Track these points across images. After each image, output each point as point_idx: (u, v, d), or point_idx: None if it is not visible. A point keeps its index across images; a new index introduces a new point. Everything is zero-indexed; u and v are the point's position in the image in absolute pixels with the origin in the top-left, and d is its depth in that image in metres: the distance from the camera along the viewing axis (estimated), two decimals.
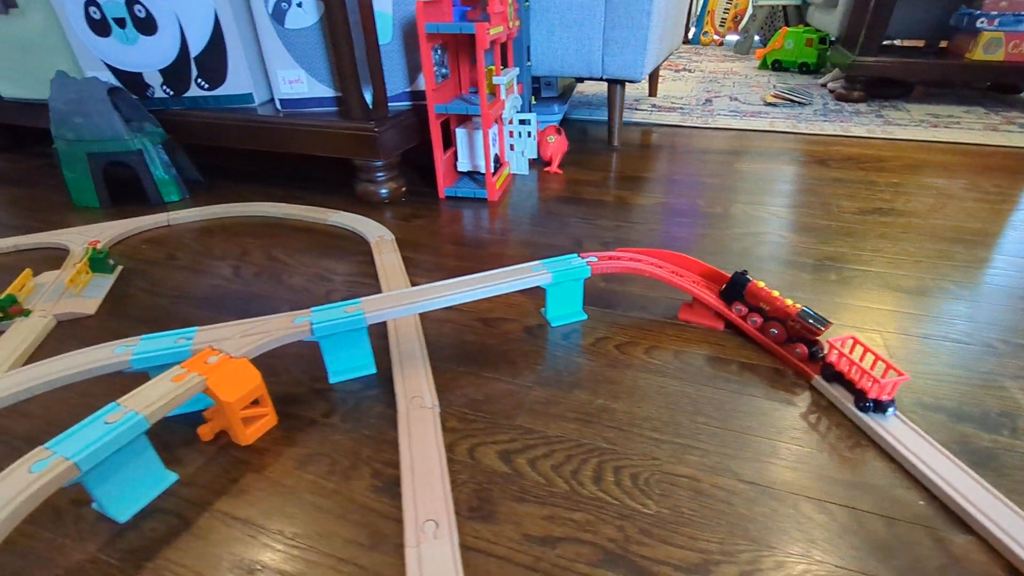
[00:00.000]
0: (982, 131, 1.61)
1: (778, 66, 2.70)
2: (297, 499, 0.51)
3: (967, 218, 1.06)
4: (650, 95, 2.19)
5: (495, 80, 1.17)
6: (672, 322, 0.75)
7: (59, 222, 1.12)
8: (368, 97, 1.16)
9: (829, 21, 2.49)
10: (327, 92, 1.20)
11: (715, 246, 0.97)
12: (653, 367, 0.67)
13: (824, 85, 2.22)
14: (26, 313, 0.78)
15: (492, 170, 1.20)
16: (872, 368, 0.56)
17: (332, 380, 0.65)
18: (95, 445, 0.46)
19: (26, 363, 0.70)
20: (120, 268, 0.93)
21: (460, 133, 1.22)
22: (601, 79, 1.44)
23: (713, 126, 1.75)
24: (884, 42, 2.20)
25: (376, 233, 1.03)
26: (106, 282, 0.88)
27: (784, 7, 3.25)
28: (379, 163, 1.16)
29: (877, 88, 1.99)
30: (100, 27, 1.17)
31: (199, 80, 1.23)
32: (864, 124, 1.71)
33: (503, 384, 0.65)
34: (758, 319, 0.69)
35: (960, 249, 0.94)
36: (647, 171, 1.37)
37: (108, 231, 1.05)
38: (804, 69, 2.62)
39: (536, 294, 0.83)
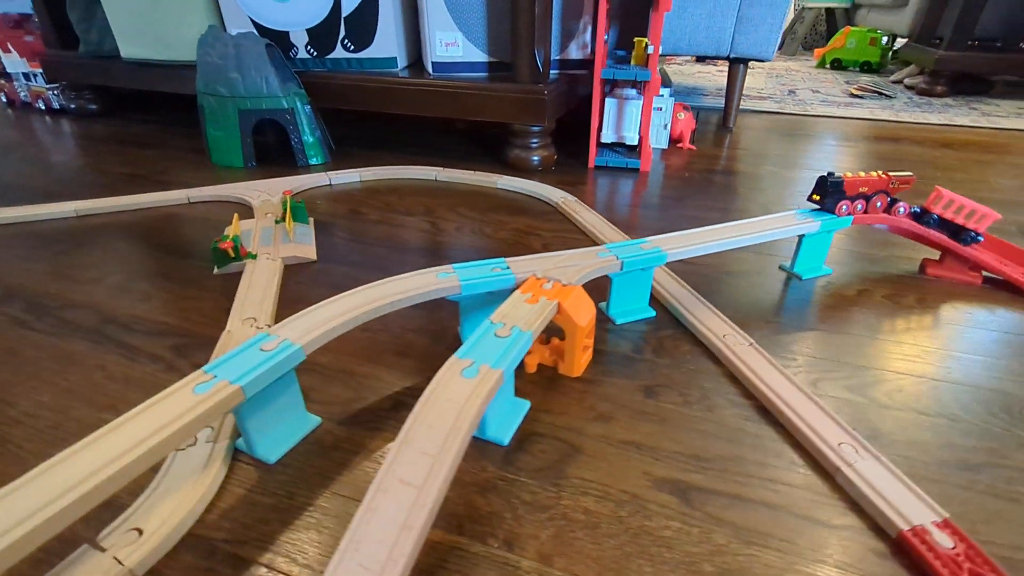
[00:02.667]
0: None
1: (837, 65, 2.74)
2: (672, 425, 0.49)
3: None
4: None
5: (648, 49, 1.17)
6: (926, 279, 0.75)
7: (206, 179, 1.09)
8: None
9: (894, 21, 2.53)
10: (480, 56, 1.18)
11: None
12: (935, 311, 0.66)
13: (899, 82, 2.25)
14: (253, 256, 0.75)
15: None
16: None
17: (619, 321, 0.64)
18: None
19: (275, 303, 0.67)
20: (312, 220, 0.90)
21: (609, 103, 1.21)
22: (727, 58, 1.44)
23: (812, 114, 1.76)
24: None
25: (558, 195, 1.01)
26: (308, 231, 0.85)
27: (833, 9, 3.30)
28: (537, 128, 1.15)
29: (958, 84, 2.01)
30: None
31: (345, 41, 1.20)
32: (962, 115, 1.73)
33: (794, 327, 0.63)
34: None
35: None
36: (773, 151, 1.37)
37: (275, 187, 1.02)
38: (866, 68, 2.66)
39: (755, 251, 0.81)
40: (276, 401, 0.45)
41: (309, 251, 0.79)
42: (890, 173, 0.69)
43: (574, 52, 1.26)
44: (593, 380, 0.55)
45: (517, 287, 0.55)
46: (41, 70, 1.55)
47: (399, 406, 0.51)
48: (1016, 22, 2.10)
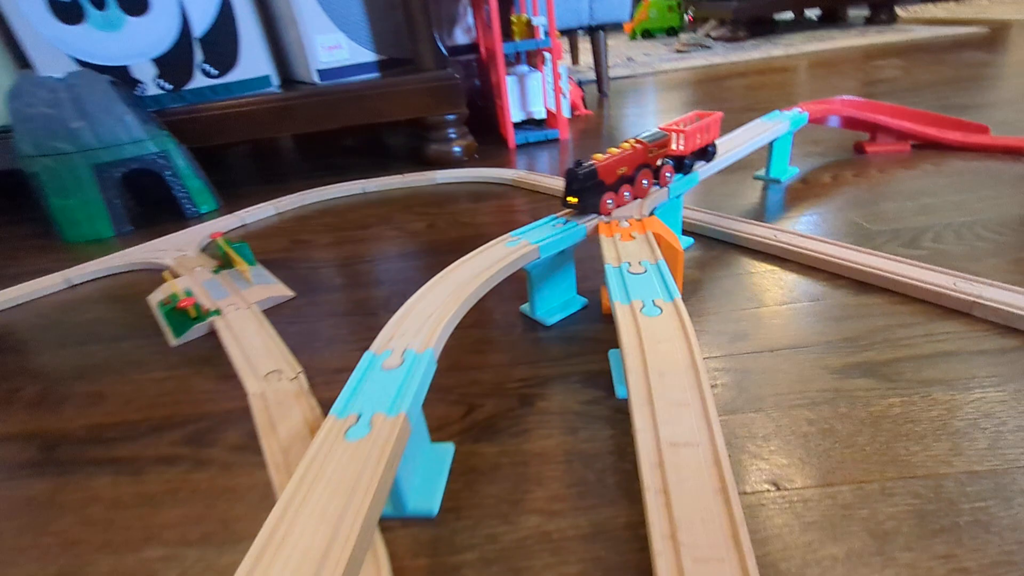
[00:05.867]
0: (856, 36, 2.02)
1: (648, 35, 3.05)
2: (801, 322, 0.47)
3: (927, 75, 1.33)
4: (574, 63, 2.33)
5: (535, 21, 1.17)
6: (867, 156, 0.83)
7: (67, 262, 0.84)
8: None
9: None
10: (368, 56, 1.09)
11: None
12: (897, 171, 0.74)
13: (708, 35, 2.57)
14: (215, 312, 0.59)
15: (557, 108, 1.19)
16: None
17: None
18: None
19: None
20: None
21: (511, 81, 1.19)
22: (588, 27, 1.51)
23: (660, 70, 1.92)
24: None
25: (509, 174, 0.96)
26: (263, 271, 0.70)
27: None
28: (453, 117, 1.08)
29: (754, 27, 2.36)
30: (67, 12, 0.92)
31: (205, 66, 1.03)
32: (773, 49, 2.02)
33: (805, 213, 0.66)
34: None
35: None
36: (648, 102, 1.47)
37: (182, 241, 0.83)
38: (671, 32, 2.99)
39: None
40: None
41: (280, 289, 0.65)
42: (643, 139, 0.53)
43: (459, 37, 1.22)
44: (695, 308, 0.51)
45: (587, 237, 0.49)
46: None
47: (524, 402, 0.43)
48: None
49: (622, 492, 0.34)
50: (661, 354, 0.32)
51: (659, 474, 0.28)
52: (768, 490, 0.33)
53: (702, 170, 0.60)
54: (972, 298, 0.45)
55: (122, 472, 0.41)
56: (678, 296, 0.36)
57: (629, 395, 0.31)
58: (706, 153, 0.61)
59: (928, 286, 0.47)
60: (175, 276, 0.69)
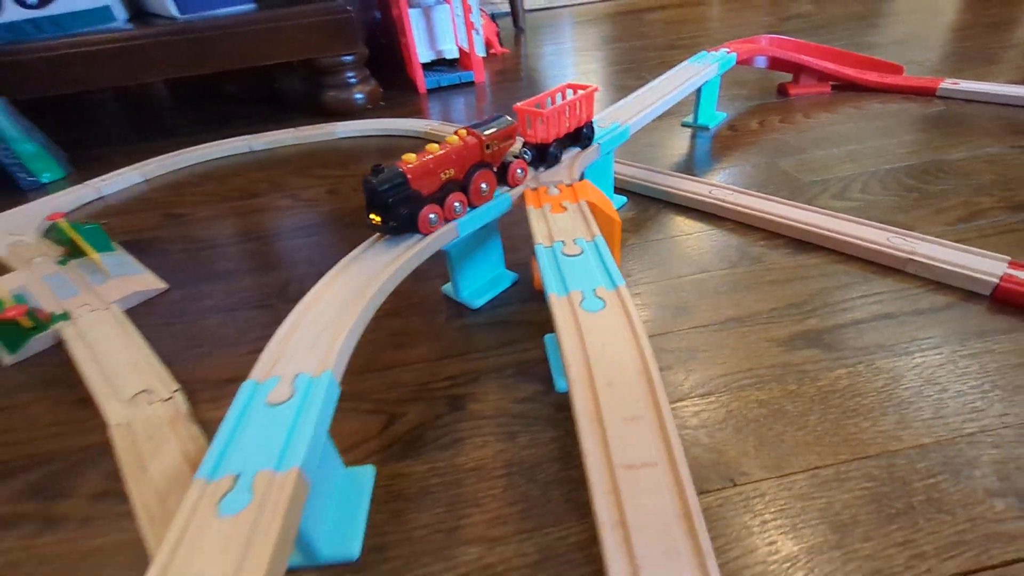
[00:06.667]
0: None
1: None
2: (742, 290, 0.44)
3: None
4: None
5: None
6: (790, 98, 0.82)
7: None
8: None
9: None
10: None
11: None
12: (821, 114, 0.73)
13: None
14: (62, 316, 0.47)
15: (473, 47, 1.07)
16: None
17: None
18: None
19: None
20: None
21: (414, 15, 1.05)
22: None
23: (580, 2, 1.82)
24: None
25: (420, 124, 0.86)
26: (126, 258, 0.58)
27: None
28: (350, 59, 0.95)
29: None
30: None
31: None
32: None
33: (733, 163, 0.64)
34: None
35: None
36: (566, 38, 1.39)
37: (16, 221, 0.67)
38: None
39: None
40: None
41: (148, 281, 0.54)
42: (479, 131, 0.41)
43: None
44: (633, 278, 0.47)
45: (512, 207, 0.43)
46: None
47: (453, 406, 0.37)
48: None
49: (571, 506, 0.30)
50: (608, 360, 0.27)
51: (615, 503, 0.24)
52: (725, 487, 0.31)
53: (633, 121, 0.55)
54: (906, 255, 0.44)
55: None
56: (622, 284, 0.32)
57: (575, 411, 0.26)
58: (580, 137, 0.49)
59: (864, 243, 0.46)
60: (5, 271, 0.56)
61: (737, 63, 0.74)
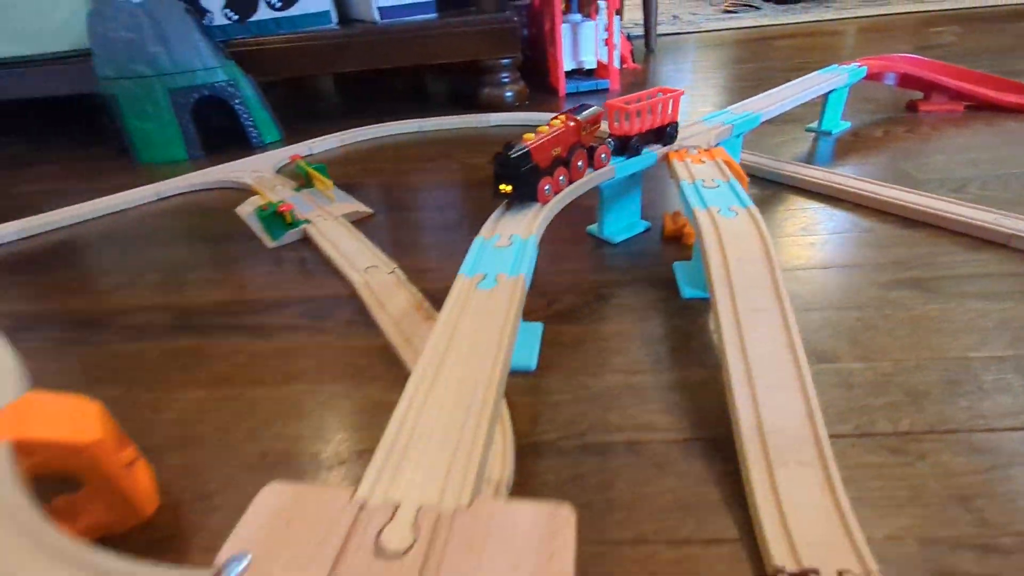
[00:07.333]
0: (912, 2, 1.97)
1: None
2: (854, 248, 0.52)
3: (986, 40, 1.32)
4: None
5: None
6: (920, 115, 0.86)
7: (146, 181, 0.91)
8: None
9: None
10: None
11: None
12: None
13: None
14: (307, 221, 0.65)
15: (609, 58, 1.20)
16: None
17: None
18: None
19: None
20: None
21: (565, 29, 1.20)
22: None
23: (705, 29, 1.90)
24: None
25: (547, 117, 0.99)
26: (341, 193, 0.76)
27: None
28: (507, 62, 1.11)
29: None
30: None
31: None
32: (825, 12, 1.98)
33: (858, 162, 0.70)
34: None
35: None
36: (700, 59, 1.47)
37: (258, 164, 0.88)
38: None
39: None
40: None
41: (360, 206, 0.70)
42: (576, 116, 0.48)
43: None
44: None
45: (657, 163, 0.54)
46: None
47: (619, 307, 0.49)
48: None
49: (695, 361, 0.40)
50: (738, 245, 0.37)
51: (736, 332, 0.33)
52: (818, 363, 0.39)
53: (764, 111, 0.64)
54: (1010, 231, 0.49)
55: (254, 335, 0.47)
56: (752, 205, 0.41)
57: (710, 276, 0.36)
58: (663, 135, 0.54)
59: (971, 220, 0.51)
60: (251, 195, 0.76)
61: (867, 77, 0.80)
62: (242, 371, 0.43)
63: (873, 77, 0.82)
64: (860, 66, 0.78)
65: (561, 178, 0.46)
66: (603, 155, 0.50)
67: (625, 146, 0.52)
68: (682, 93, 0.54)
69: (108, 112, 0.99)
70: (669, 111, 0.54)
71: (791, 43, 1.55)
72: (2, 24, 1.05)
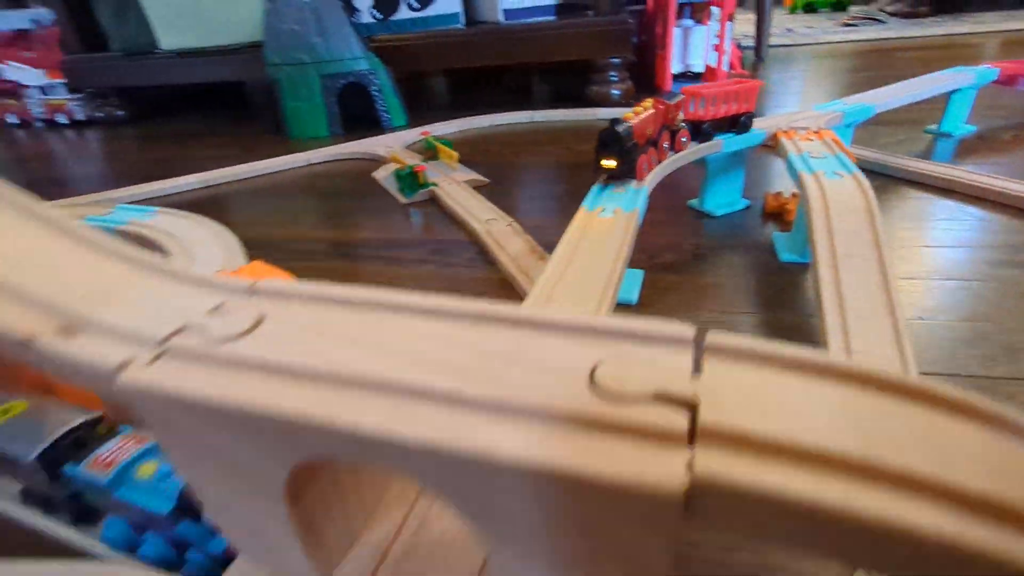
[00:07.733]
0: None
1: (810, 8, 2.88)
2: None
3: None
4: None
5: None
6: None
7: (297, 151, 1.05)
8: None
9: None
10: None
11: None
12: None
13: (882, 9, 2.39)
14: (435, 184, 0.74)
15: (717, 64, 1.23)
16: None
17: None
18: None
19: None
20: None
21: (676, 32, 1.24)
22: None
23: (821, 41, 1.85)
24: None
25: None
26: (461, 166, 0.85)
27: None
28: (618, 61, 1.17)
29: (941, 3, 2.16)
30: None
31: (411, 1, 1.20)
32: (959, 26, 1.86)
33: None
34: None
35: None
36: (812, 69, 1.45)
37: (390, 141, 1.00)
38: (837, 7, 2.80)
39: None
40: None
41: (479, 176, 0.79)
42: (660, 99, 0.50)
43: None
44: None
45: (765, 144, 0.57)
46: (59, 81, 1.47)
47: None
48: None
49: (789, 308, 0.43)
50: (841, 200, 0.40)
51: (833, 274, 0.37)
52: (917, 318, 0.40)
53: (878, 104, 0.65)
54: None
55: (391, 263, 0.56)
56: (858, 171, 0.44)
57: (811, 226, 0.39)
58: (738, 123, 0.55)
59: None
60: (400, 156, 0.87)
61: (998, 80, 0.77)
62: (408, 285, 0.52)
63: (1007, 81, 0.79)
64: (991, 68, 0.76)
65: (653, 158, 0.50)
66: (683, 138, 0.52)
67: (698, 131, 0.53)
68: (759, 83, 0.55)
69: (269, 95, 1.16)
70: (745, 100, 0.55)
71: (917, 55, 1.47)
72: (196, 20, 1.26)
